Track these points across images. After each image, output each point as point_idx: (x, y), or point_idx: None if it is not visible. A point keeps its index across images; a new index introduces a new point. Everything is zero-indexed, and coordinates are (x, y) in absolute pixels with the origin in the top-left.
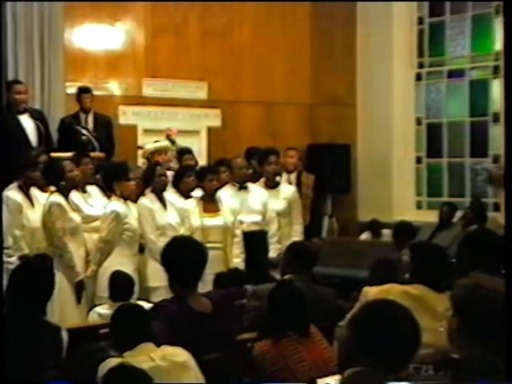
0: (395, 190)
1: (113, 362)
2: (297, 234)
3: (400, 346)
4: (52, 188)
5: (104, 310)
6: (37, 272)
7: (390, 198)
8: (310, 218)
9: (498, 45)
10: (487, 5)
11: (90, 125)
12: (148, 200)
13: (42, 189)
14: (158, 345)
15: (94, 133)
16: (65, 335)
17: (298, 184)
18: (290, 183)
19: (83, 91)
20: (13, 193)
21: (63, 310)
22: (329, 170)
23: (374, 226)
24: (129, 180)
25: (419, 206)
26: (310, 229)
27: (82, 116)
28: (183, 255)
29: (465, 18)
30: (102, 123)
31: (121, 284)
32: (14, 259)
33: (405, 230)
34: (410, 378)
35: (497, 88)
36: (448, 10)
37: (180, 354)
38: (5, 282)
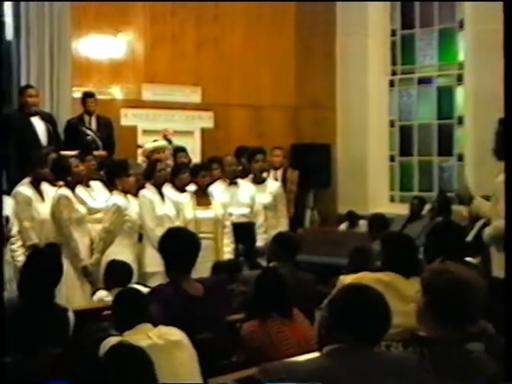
0: (370, 185)
1: (113, 340)
2: (282, 225)
3: (372, 325)
4: (60, 183)
5: (104, 293)
6: (47, 260)
7: (365, 193)
8: (295, 211)
9: (461, 55)
10: (452, 20)
11: (94, 126)
12: (149, 192)
13: (52, 183)
14: (155, 325)
15: (97, 133)
16: (71, 316)
17: (284, 180)
18: (276, 179)
19: (88, 96)
20: (24, 188)
21: (69, 294)
22: (311, 167)
23: (351, 217)
24: (129, 176)
25: (392, 199)
26: (294, 220)
27: (86, 118)
28: (179, 244)
29: (432, 31)
30: (103, 124)
31: (118, 272)
32: (15, 246)
33: (379, 222)
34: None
35: (461, 94)
36: (418, 23)
37: (175, 334)
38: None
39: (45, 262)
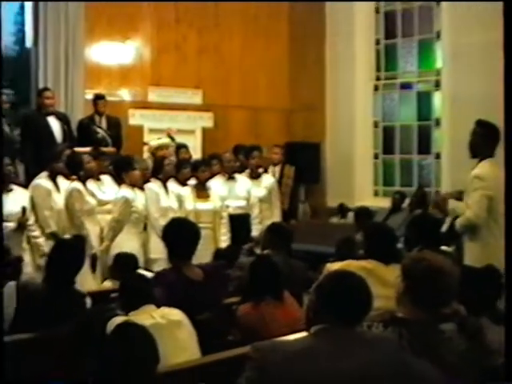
0: (357, 180)
1: (119, 319)
2: (275, 217)
3: (354, 308)
4: (73, 177)
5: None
6: (73, 251)
7: (352, 187)
8: (289, 204)
9: (439, 63)
10: (430, 31)
11: (104, 125)
12: (155, 185)
13: (67, 177)
14: (158, 306)
15: (107, 131)
16: (88, 301)
17: (281, 175)
18: (274, 174)
19: (98, 98)
20: (43, 180)
21: (82, 278)
22: (303, 164)
23: (342, 209)
24: (134, 170)
25: (376, 193)
26: (288, 212)
27: (97, 118)
28: (180, 233)
29: (413, 41)
30: (112, 124)
31: (124, 264)
32: (36, 234)
33: (363, 214)
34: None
35: (438, 98)
36: (400, 34)
37: (176, 314)
38: None
39: (70, 253)
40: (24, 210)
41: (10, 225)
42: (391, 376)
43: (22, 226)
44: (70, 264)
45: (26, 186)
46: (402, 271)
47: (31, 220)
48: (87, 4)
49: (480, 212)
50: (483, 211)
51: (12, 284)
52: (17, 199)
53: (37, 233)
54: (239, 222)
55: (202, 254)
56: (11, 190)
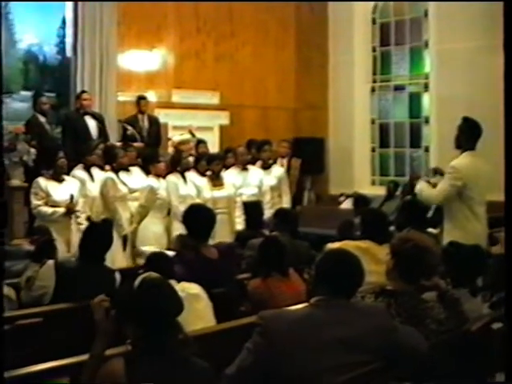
0: (356, 171)
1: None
2: (285, 203)
3: (348, 281)
4: (107, 167)
5: None
6: (102, 232)
7: (352, 177)
8: (296, 192)
9: (427, 68)
10: (420, 40)
11: (146, 123)
12: (174, 177)
13: (101, 168)
14: (179, 281)
15: (148, 129)
16: (118, 276)
17: (289, 166)
18: (282, 166)
19: (141, 98)
20: (79, 171)
21: (114, 256)
22: (308, 156)
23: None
24: (159, 162)
25: (373, 182)
26: (294, 199)
27: (139, 116)
28: (198, 217)
29: (405, 49)
30: (153, 122)
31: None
32: (80, 220)
33: (361, 200)
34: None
35: (427, 99)
36: (393, 42)
37: (194, 288)
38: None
39: (100, 233)
40: (72, 197)
41: (60, 210)
42: (381, 340)
43: (70, 211)
44: (100, 244)
45: (67, 174)
46: (390, 249)
47: (79, 206)
48: (119, 19)
49: (440, 197)
50: (443, 197)
51: (51, 262)
52: (67, 188)
53: (80, 219)
54: (253, 208)
55: (220, 235)
56: (63, 180)
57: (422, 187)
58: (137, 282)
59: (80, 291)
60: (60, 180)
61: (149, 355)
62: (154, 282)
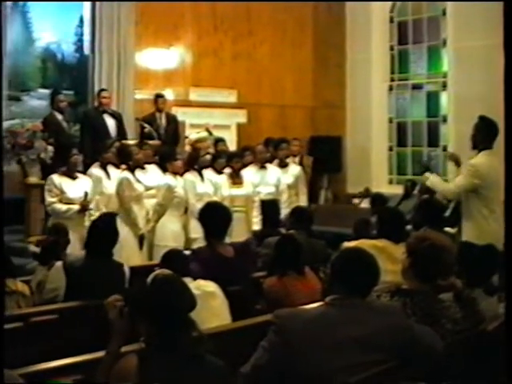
0: (373, 170)
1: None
2: (302, 201)
3: (363, 280)
4: (123, 166)
5: None
6: (104, 225)
7: (369, 176)
8: (309, 190)
9: (445, 67)
10: (437, 38)
11: (164, 121)
12: (191, 175)
13: (117, 166)
14: (195, 279)
15: (166, 127)
16: (127, 269)
17: (301, 164)
18: (294, 163)
19: (159, 96)
20: (95, 169)
21: (129, 256)
22: (325, 155)
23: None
24: (177, 160)
25: (391, 181)
26: (309, 198)
27: (157, 114)
28: (214, 215)
29: (422, 47)
30: (171, 120)
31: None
32: (95, 217)
33: (378, 199)
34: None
35: (445, 97)
36: (411, 40)
37: (210, 286)
38: None
39: (103, 228)
40: (86, 194)
41: (74, 207)
42: (396, 339)
43: (84, 208)
44: (105, 238)
45: (84, 173)
46: (406, 248)
47: (92, 204)
48: (136, 18)
49: (457, 192)
50: (460, 193)
51: (59, 264)
52: (81, 185)
53: (95, 215)
54: (270, 207)
55: (237, 234)
56: (76, 178)
57: (434, 181)
58: (149, 278)
59: (90, 288)
60: (74, 177)
61: (162, 352)
62: (166, 279)
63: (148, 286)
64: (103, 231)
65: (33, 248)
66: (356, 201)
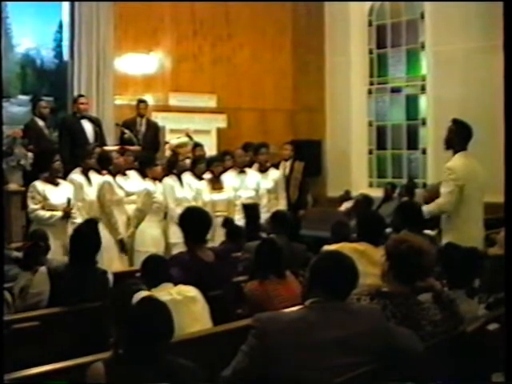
0: (354, 173)
1: (143, 293)
2: (281, 206)
3: (341, 283)
4: (104, 171)
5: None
6: (87, 232)
7: (349, 179)
8: (299, 195)
9: (424, 70)
10: (416, 42)
11: (144, 126)
12: (170, 179)
13: (98, 172)
14: (175, 284)
15: (145, 132)
16: (110, 276)
17: (291, 169)
18: (285, 169)
19: (141, 101)
20: (76, 175)
21: (110, 260)
22: (306, 159)
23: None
24: (156, 166)
25: (371, 184)
26: (297, 202)
27: (138, 120)
28: (193, 220)
29: (401, 51)
30: (151, 126)
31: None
32: (78, 220)
33: (362, 202)
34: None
35: (424, 101)
36: (389, 44)
37: (191, 291)
38: None
39: (85, 235)
40: (69, 200)
41: (57, 214)
42: (376, 342)
43: (66, 214)
44: (87, 245)
45: (64, 179)
46: (385, 251)
47: (75, 209)
48: (115, 22)
49: (451, 200)
50: (454, 200)
51: (44, 269)
52: (63, 192)
53: (78, 221)
54: (250, 211)
55: (220, 239)
56: (58, 184)
57: (430, 207)
58: (136, 299)
59: (74, 295)
60: (56, 183)
61: (130, 363)
62: (154, 306)
63: (134, 306)
64: (86, 238)
65: (14, 253)
66: (343, 208)
